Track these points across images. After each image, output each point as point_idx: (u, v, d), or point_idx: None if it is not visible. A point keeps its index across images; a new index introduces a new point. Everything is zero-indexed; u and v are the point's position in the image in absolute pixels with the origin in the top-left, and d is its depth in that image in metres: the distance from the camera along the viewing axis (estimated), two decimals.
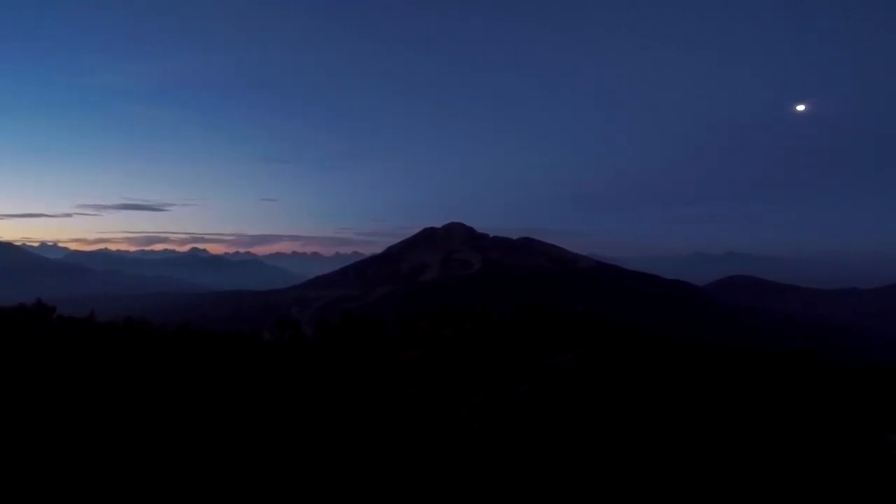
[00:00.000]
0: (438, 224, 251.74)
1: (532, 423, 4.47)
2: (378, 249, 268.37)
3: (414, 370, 5.95)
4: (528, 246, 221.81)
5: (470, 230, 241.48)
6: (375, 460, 4.51)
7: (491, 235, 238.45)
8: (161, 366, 9.33)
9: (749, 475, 3.94)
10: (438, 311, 12.89)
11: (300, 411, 5.45)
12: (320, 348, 10.68)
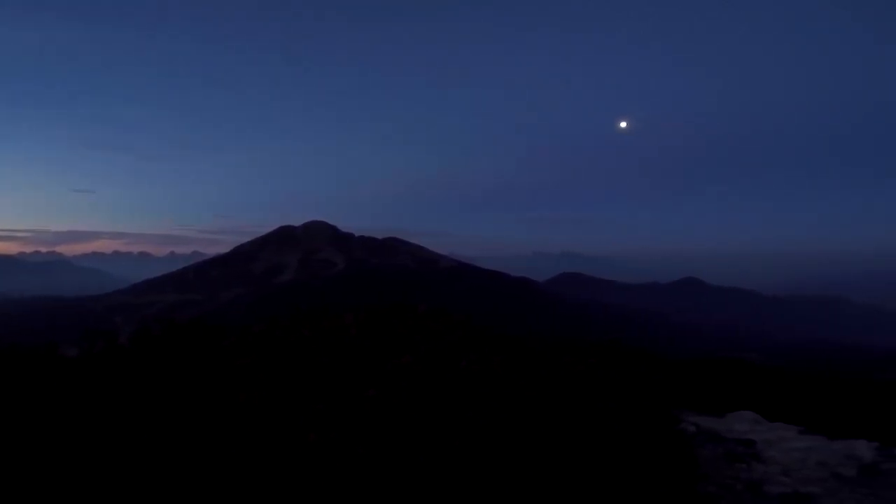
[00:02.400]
0: (297, 222, 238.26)
1: (369, 428, 4.36)
2: (224, 249, 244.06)
3: (245, 380, 5.40)
4: (393, 246, 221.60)
5: (333, 229, 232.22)
6: (196, 482, 3.96)
7: (357, 235, 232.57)
8: None
9: (559, 458, 4.31)
10: (288, 314, 12.07)
11: (102, 434, 4.57)
12: (138, 362, 9.21)
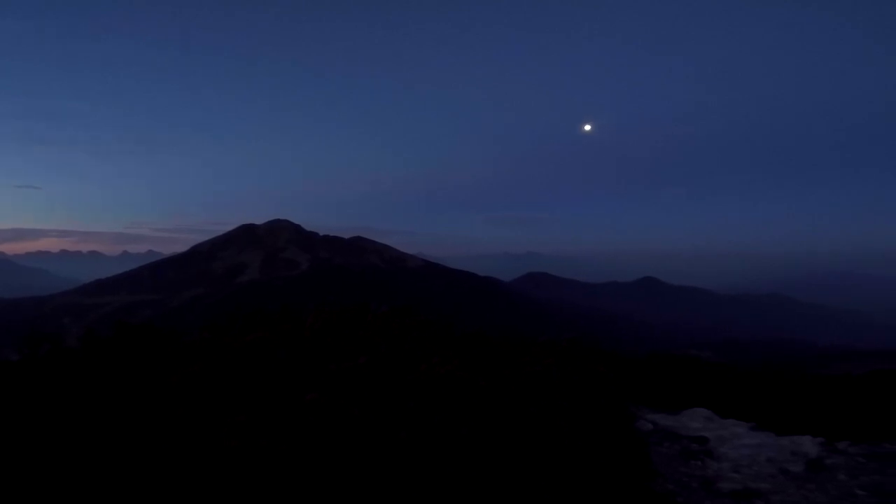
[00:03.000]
0: (259, 221, 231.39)
1: (314, 431, 4.22)
2: (182, 247, 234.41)
3: (191, 388, 5.14)
4: (360, 245, 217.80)
5: (298, 228, 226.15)
6: (128, 490, 3.73)
7: (322, 234, 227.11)
8: None
9: (513, 459, 4.30)
10: (244, 316, 11.65)
11: (39, 446, 4.25)
12: (84, 367, 8.67)
